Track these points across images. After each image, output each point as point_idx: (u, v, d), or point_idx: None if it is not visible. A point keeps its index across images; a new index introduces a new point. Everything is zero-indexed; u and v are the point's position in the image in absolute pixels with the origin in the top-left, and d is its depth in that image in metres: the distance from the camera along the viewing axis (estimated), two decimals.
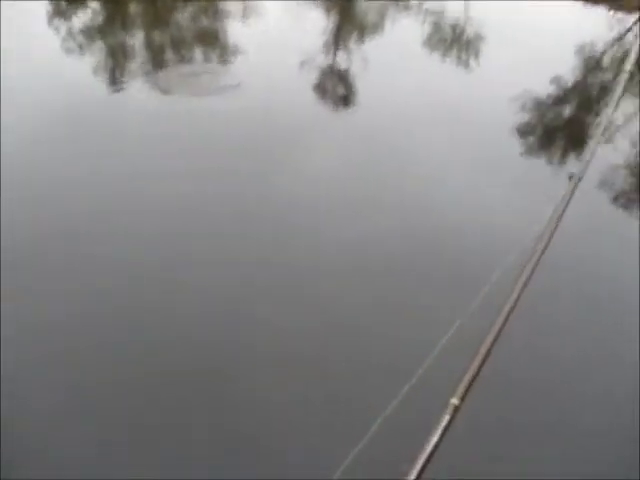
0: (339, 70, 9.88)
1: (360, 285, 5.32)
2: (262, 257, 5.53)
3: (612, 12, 12.29)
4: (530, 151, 8.03)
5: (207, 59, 9.87)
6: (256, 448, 3.87)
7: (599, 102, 9.35)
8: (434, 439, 2.14)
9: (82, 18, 11.13)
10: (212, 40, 10.67)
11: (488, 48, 10.93)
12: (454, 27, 11.85)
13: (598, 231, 6.23)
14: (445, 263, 5.67)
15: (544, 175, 7.27)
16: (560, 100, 9.35)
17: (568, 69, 9.98)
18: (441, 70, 10.19)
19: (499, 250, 5.64)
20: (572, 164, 7.54)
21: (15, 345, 4.44)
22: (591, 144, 5.35)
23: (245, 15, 11.68)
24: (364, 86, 9.18)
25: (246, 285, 5.22)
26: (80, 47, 10.02)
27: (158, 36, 10.90)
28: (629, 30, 11.56)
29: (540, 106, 9.00)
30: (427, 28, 11.77)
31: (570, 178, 4.62)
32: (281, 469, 3.74)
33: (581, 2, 12.99)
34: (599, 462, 3.94)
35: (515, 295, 2.44)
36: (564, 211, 3.70)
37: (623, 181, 7.45)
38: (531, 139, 8.34)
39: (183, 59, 9.82)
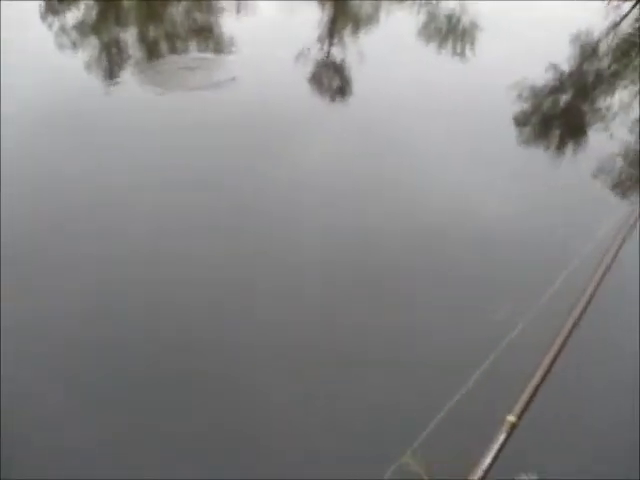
0: (335, 62, 9.73)
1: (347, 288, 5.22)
2: (260, 250, 5.44)
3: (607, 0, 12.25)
4: (528, 140, 7.97)
5: (201, 52, 9.59)
6: None
7: (595, 90, 9.33)
8: (487, 460, 2.02)
9: (76, 13, 10.85)
10: (207, 34, 10.44)
11: (484, 37, 10.77)
12: (449, 17, 11.71)
13: None
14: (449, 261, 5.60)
15: (543, 165, 7.24)
16: (556, 89, 9.29)
17: (564, 58, 9.92)
18: (437, 60, 10.05)
19: (499, 243, 5.69)
20: (570, 153, 7.55)
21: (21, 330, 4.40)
22: None
23: (239, 9, 11.45)
24: (360, 78, 9.03)
25: (246, 278, 5.13)
26: (74, 42, 9.79)
27: (152, 30, 10.67)
28: (625, 17, 11.54)
29: (537, 95, 8.93)
30: (422, 18, 11.61)
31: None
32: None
33: None
34: None
35: (578, 311, 2.34)
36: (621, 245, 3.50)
37: None
38: (528, 128, 8.28)
39: (177, 52, 9.59)
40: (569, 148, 7.98)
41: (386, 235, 5.81)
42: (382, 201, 6.34)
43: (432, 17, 11.73)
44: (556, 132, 8.53)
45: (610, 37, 11.03)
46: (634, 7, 12.00)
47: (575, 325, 2.22)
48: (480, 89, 8.77)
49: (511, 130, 8.04)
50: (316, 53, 9.84)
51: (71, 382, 4.17)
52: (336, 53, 10.06)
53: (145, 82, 8.39)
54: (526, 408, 2.11)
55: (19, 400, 3.99)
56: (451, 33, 11.18)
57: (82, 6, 11.17)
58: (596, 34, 11.02)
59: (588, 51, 10.58)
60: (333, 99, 8.77)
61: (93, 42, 10.03)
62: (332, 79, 9.41)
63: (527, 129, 8.26)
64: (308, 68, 9.25)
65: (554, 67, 9.62)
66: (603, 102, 9.18)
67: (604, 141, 7.86)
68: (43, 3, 11.03)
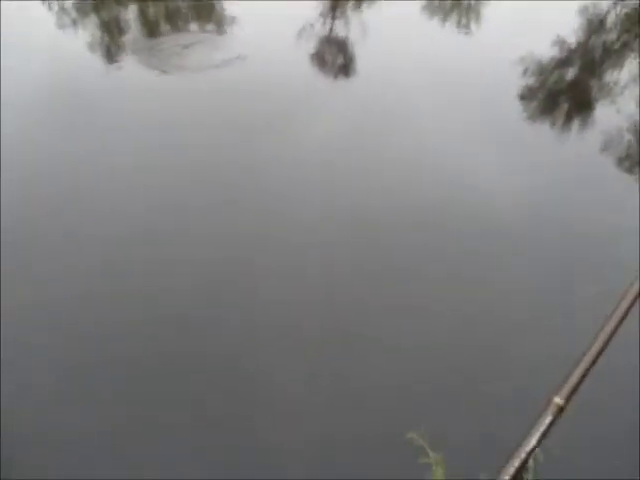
0: (338, 38, 9.86)
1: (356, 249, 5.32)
2: (263, 227, 5.66)
3: None
4: (533, 115, 7.85)
5: (203, 30, 9.79)
6: None
7: (602, 64, 9.21)
8: (532, 442, 1.89)
9: None
10: (208, 11, 10.68)
11: (489, 10, 10.81)
12: None
13: None
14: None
15: (549, 139, 7.15)
16: (562, 62, 9.13)
17: (570, 31, 9.75)
18: (442, 35, 10.06)
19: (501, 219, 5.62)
20: (576, 128, 7.44)
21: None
22: None
23: None
24: (364, 53, 9.23)
25: (252, 251, 5.33)
26: (73, 22, 10.05)
27: (153, 7, 10.73)
28: None
29: (543, 69, 8.80)
30: None
31: None
32: None
33: None
34: None
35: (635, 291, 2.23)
36: None
37: None
38: (534, 103, 8.15)
39: (180, 30, 9.80)
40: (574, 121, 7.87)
41: (384, 210, 5.76)
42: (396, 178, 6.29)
43: None
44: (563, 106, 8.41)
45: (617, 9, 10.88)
46: None
47: (635, 300, 2.12)
48: (486, 63, 8.87)
49: (517, 104, 7.95)
50: (319, 28, 9.99)
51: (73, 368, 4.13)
52: (340, 28, 10.15)
53: (143, 62, 8.54)
54: (575, 391, 1.99)
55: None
56: (456, 6, 11.10)
57: None
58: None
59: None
60: (337, 74, 8.93)
61: (92, 21, 10.20)
62: (336, 54, 9.51)
63: (534, 103, 8.15)
64: (311, 43, 9.44)
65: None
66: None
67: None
68: None
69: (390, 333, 4.49)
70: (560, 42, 9.45)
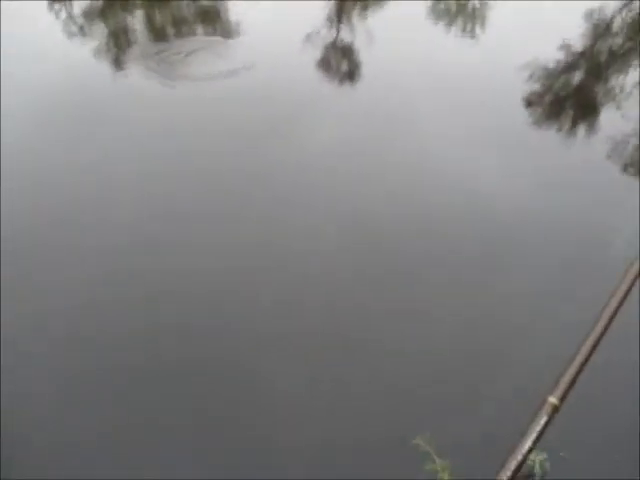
0: (342, 43, 9.64)
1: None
2: (269, 233, 5.46)
3: None
4: (539, 121, 7.84)
5: (208, 35, 9.54)
6: None
7: (608, 69, 9.17)
8: (529, 441, 1.92)
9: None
10: (214, 17, 10.34)
11: (495, 16, 10.64)
12: None
13: None
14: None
15: (555, 144, 7.14)
16: (569, 67, 9.12)
17: (577, 35, 9.74)
18: (448, 40, 9.90)
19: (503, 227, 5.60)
20: (582, 133, 7.41)
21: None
22: None
23: None
24: (369, 59, 8.93)
25: (255, 258, 5.16)
26: (80, 29, 9.73)
27: (157, 12, 10.51)
28: None
29: (549, 74, 8.78)
30: None
31: None
32: None
33: None
34: None
35: (621, 294, 2.26)
36: None
37: None
38: (539, 108, 8.13)
39: (184, 37, 9.50)
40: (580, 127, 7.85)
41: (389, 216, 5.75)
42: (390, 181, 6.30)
43: None
44: (569, 111, 8.40)
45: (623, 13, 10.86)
46: None
47: (623, 300, 2.14)
48: (493, 68, 8.63)
49: (522, 109, 7.95)
50: (325, 34, 9.72)
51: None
52: (345, 34, 9.95)
53: (147, 69, 8.28)
54: (569, 390, 2.01)
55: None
56: (461, 11, 11.06)
57: None
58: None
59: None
60: (343, 80, 8.69)
61: (99, 27, 9.92)
62: (341, 60, 9.33)
63: (539, 108, 8.15)
64: (316, 50, 9.15)
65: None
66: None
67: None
68: None
69: (393, 337, 4.48)
70: (566, 46, 9.38)
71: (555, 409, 1.98)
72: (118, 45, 9.37)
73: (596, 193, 6.20)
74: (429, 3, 11.21)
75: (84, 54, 8.82)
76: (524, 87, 8.32)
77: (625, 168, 6.93)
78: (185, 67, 8.42)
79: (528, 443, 1.87)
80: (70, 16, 10.12)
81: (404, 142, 6.95)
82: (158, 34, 9.80)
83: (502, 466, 1.92)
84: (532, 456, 3.50)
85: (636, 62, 9.42)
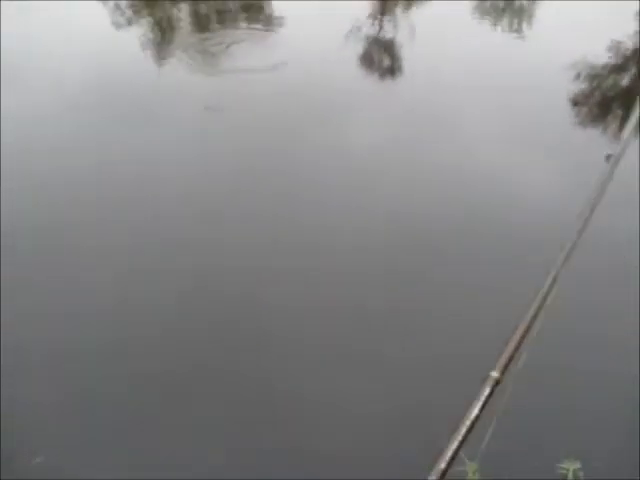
0: (386, 40, 9.70)
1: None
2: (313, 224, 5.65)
3: None
4: (585, 122, 7.71)
5: (252, 28, 9.67)
6: None
7: None
8: (473, 413, 2.09)
9: None
10: (257, 9, 10.53)
11: (542, 14, 10.57)
12: None
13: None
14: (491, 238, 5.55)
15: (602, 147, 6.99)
16: (618, 68, 8.92)
17: (627, 35, 9.50)
18: (493, 38, 9.89)
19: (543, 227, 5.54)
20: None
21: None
22: (632, 120, 4.80)
23: None
24: (412, 55, 9.00)
25: (299, 250, 5.29)
26: (127, 20, 9.99)
27: (203, 3, 10.72)
28: None
29: (597, 75, 8.61)
30: None
31: (607, 159, 4.20)
32: None
33: None
34: None
35: (555, 271, 2.37)
36: (601, 195, 3.42)
37: None
38: (585, 109, 8.00)
39: (227, 27, 9.70)
40: None
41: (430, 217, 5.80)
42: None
43: None
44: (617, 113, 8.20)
45: None
46: None
47: (557, 274, 2.25)
48: (541, 67, 8.57)
49: (569, 110, 7.83)
50: (368, 29, 9.84)
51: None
52: (387, 28, 10.01)
53: (185, 61, 8.47)
54: (508, 365, 2.16)
55: None
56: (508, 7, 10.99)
57: None
58: None
59: None
60: (382, 77, 8.75)
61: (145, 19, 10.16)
62: (384, 56, 9.33)
63: (586, 109, 8.01)
64: (359, 45, 9.28)
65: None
66: None
67: None
68: None
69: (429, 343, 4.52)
70: (615, 46, 9.18)
71: (497, 382, 2.14)
72: (160, 34, 9.57)
73: None
74: (474, 2, 11.19)
75: (123, 41, 9.16)
76: (571, 87, 8.24)
77: None
78: (226, 58, 8.56)
79: (475, 412, 2.04)
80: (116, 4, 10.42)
81: (447, 142, 6.94)
82: (201, 24, 9.97)
83: (453, 433, 2.08)
84: (565, 464, 3.59)
85: None
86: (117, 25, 9.84)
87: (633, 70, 8.99)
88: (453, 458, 1.86)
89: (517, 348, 2.19)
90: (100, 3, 10.44)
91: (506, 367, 2.21)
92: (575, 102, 8.13)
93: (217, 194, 6.04)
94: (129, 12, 10.30)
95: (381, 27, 10.14)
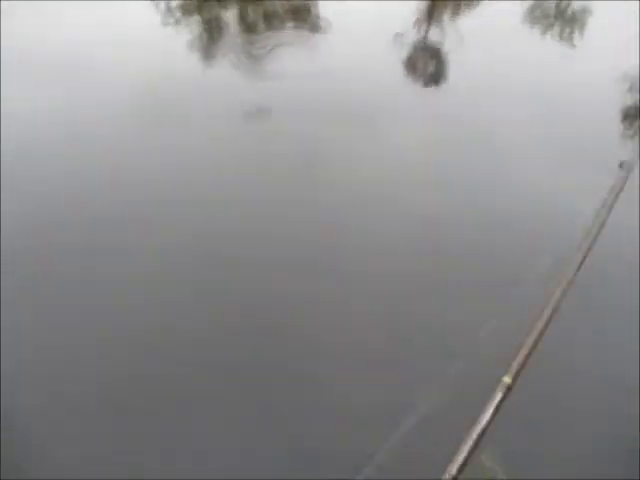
0: (431, 47, 9.65)
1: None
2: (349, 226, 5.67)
3: None
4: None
5: (296, 32, 9.76)
6: None
7: None
8: (485, 418, 2.13)
9: None
10: (302, 13, 10.60)
11: (595, 23, 10.51)
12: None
13: None
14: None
15: None
16: None
17: None
18: (542, 48, 9.84)
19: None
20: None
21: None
22: None
23: None
24: (459, 62, 8.95)
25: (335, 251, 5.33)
26: (176, 21, 10.11)
27: (249, 7, 10.80)
28: None
29: None
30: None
31: (621, 166, 4.13)
32: None
33: None
34: None
35: (568, 278, 2.38)
36: (614, 202, 3.38)
37: None
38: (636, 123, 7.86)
39: (271, 30, 9.82)
40: None
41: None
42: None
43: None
44: None
45: None
46: None
47: (570, 283, 2.26)
48: (587, 78, 8.44)
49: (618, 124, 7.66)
50: (413, 36, 9.86)
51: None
52: (434, 36, 9.96)
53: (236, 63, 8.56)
54: (520, 371, 2.19)
55: None
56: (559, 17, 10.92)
57: None
58: None
59: None
60: (431, 84, 8.79)
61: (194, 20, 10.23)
62: (429, 63, 9.39)
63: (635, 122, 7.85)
64: (404, 51, 9.30)
65: None
66: None
67: None
68: None
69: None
70: None
71: (509, 388, 2.18)
72: (207, 37, 9.64)
73: None
74: (524, 10, 11.18)
75: (169, 43, 9.16)
76: (622, 99, 8.12)
77: None
78: (269, 62, 8.59)
79: (487, 417, 2.08)
80: (167, 7, 10.58)
81: (488, 155, 6.83)
82: (246, 27, 10.08)
83: (465, 437, 2.12)
84: None
85: None
86: (166, 25, 9.98)
87: None
88: (465, 463, 1.90)
89: (530, 353, 2.23)
90: (151, 3, 10.67)
91: (518, 373, 2.25)
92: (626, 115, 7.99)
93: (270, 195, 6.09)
94: (178, 13, 10.48)
95: (426, 34, 10.10)
